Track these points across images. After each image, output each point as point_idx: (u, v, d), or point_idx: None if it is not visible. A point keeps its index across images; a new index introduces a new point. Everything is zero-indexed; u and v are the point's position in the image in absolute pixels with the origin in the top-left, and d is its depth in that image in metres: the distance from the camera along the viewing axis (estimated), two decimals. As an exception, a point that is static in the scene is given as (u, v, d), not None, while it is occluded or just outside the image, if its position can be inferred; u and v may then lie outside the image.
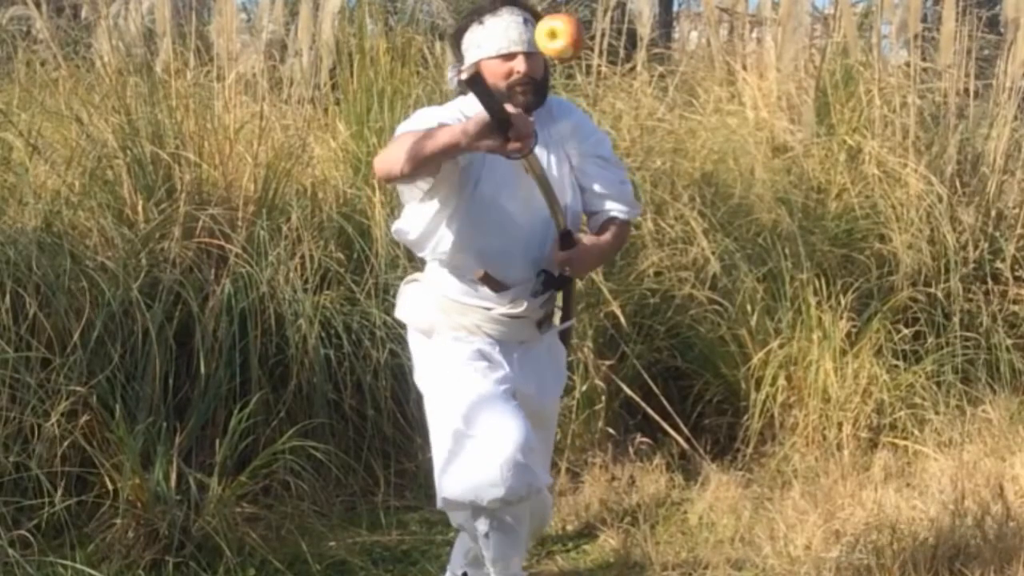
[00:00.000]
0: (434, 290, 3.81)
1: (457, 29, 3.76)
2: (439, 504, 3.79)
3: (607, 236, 3.87)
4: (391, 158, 3.46)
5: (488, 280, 3.72)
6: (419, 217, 3.72)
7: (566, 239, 3.69)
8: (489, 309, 3.74)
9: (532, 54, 3.61)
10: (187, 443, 5.01)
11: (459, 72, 3.68)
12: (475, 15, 3.69)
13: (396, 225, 3.83)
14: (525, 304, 3.74)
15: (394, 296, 4.09)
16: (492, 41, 3.62)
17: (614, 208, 3.88)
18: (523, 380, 3.81)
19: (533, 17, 3.66)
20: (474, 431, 3.63)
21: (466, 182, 3.63)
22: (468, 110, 3.64)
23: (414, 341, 3.93)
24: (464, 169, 3.59)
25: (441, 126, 3.43)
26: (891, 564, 4.40)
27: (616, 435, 5.81)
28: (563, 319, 4.01)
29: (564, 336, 4.06)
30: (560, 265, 3.70)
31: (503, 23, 3.60)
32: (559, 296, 3.98)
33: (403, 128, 3.62)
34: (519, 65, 3.59)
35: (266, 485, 5.08)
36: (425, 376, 3.86)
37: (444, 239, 3.69)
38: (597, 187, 3.83)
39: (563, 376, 4.19)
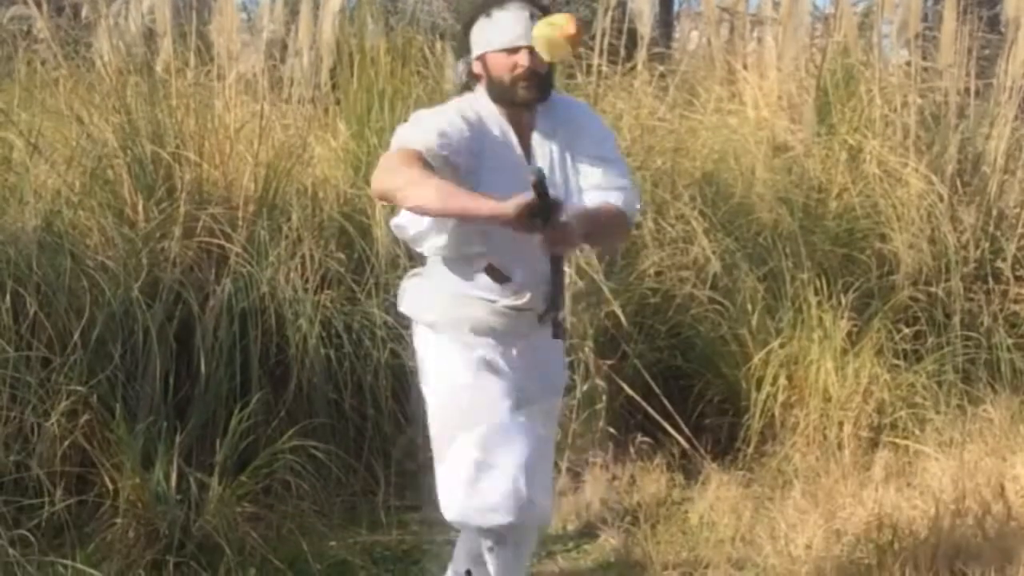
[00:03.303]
0: (436, 283, 3.79)
1: (466, 21, 3.76)
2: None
3: (601, 208, 3.73)
4: (412, 191, 3.41)
5: (492, 271, 3.69)
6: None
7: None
8: (493, 301, 3.73)
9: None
10: (187, 443, 5.00)
11: (468, 65, 3.71)
12: (484, 7, 3.67)
13: (395, 220, 3.80)
14: (528, 295, 3.72)
15: (395, 296, 4.07)
16: (498, 35, 3.61)
17: (612, 198, 3.78)
18: (526, 376, 3.77)
19: (542, 12, 3.63)
20: (481, 454, 3.60)
21: (466, 184, 3.61)
22: (470, 112, 3.62)
23: (419, 340, 3.89)
24: (465, 177, 3.57)
25: (479, 196, 3.39)
26: (892, 564, 4.40)
27: (617, 435, 5.81)
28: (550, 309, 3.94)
29: (556, 327, 3.90)
30: (552, 245, 3.52)
31: (510, 18, 3.58)
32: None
33: (403, 134, 3.56)
34: (523, 59, 3.58)
35: (267, 485, 5.08)
36: (430, 384, 3.83)
37: (443, 236, 3.68)
38: (595, 185, 3.76)
39: (564, 369, 4.13)
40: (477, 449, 3.60)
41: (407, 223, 3.74)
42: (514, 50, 3.60)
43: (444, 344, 3.78)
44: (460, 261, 3.73)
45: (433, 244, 3.72)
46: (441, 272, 3.78)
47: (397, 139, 3.56)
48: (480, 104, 3.66)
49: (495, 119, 3.65)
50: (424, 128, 3.53)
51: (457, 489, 3.64)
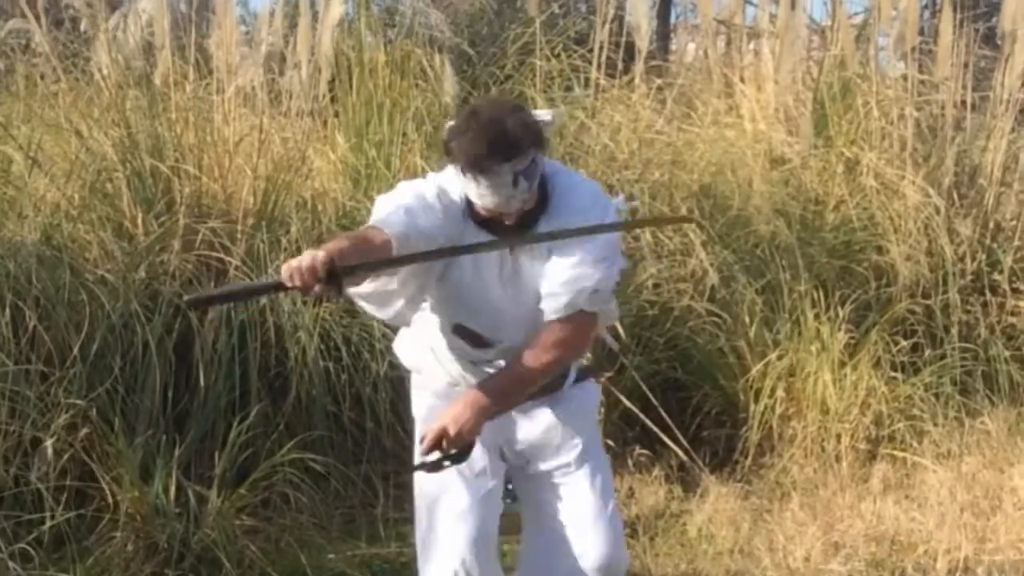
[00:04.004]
0: (423, 334, 3.63)
1: (446, 139, 3.36)
2: None
3: (504, 371, 3.44)
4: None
5: (466, 334, 3.50)
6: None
7: None
8: (474, 363, 3.54)
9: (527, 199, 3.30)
10: (186, 455, 5.02)
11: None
12: (460, 163, 3.25)
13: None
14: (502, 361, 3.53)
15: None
16: (480, 199, 3.29)
17: (547, 302, 3.40)
18: (509, 431, 3.60)
19: (517, 128, 3.24)
20: (435, 530, 3.53)
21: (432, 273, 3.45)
22: (447, 192, 3.38)
23: (412, 390, 3.78)
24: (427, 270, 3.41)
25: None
26: (890, 576, 4.41)
27: (615, 447, 5.80)
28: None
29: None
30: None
31: (490, 188, 3.23)
32: None
33: (377, 206, 3.38)
34: (507, 219, 3.33)
35: (265, 497, 5.09)
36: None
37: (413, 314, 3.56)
38: (545, 282, 3.40)
39: (584, 418, 3.72)
40: (432, 523, 3.54)
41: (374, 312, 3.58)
42: None
43: (424, 398, 3.69)
44: (439, 322, 3.57)
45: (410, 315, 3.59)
46: (426, 324, 3.59)
47: (374, 209, 3.40)
48: (456, 190, 3.38)
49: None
50: (405, 194, 3.36)
51: (422, 560, 3.61)
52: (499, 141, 3.22)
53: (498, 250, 3.38)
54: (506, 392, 3.40)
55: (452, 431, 3.30)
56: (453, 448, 3.32)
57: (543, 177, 3.35)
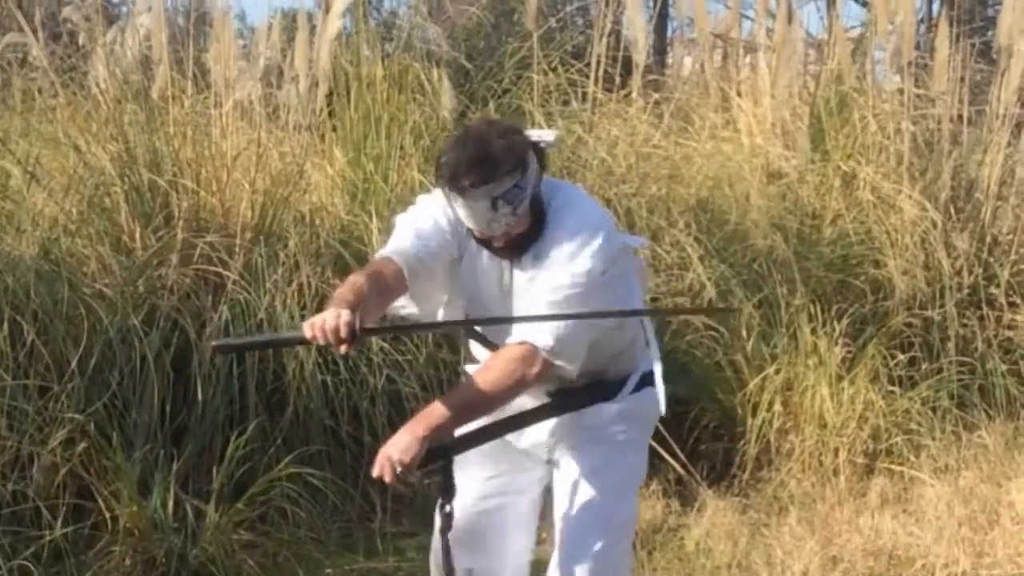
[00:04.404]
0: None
1: (437, 156, 3.39)
2: None
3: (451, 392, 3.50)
4: None
5: (476, 336, 3.50)
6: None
7: None
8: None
9: (512, 225, 3.26)
10: (184, 470, 5.02)
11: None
12: (445, 183, 3.26)
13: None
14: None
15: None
16: (466, 221, 3.29)
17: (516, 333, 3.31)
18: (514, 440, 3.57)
19: (502, 149, 3.22)
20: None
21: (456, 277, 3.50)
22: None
23: None
24: (452, 266, 3.43)
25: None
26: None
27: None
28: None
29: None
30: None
31: (471, 211, 3.23)
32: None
33: (395, 229, 3.41)
34: (495, 242, 3.31)
35: (263, 512, 5.09)
36: None
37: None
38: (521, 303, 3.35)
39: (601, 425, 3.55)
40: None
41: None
42: None
43: None
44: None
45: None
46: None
47: (394, 230, 3.42)
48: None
49: None
50: (406, 230, 3.37)
51: None
52: (478, 164, 3.20)
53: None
54: (448, 413, 3.23)
55: (395, 457, 3.18)
56: (406, 471, 3.22)
57: (538, 200, 3.31)
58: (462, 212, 3.26)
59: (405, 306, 3.43)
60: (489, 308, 3.43)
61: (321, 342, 2.98)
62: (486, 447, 3.47)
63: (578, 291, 3.26)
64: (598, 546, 3.43)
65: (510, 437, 3.54)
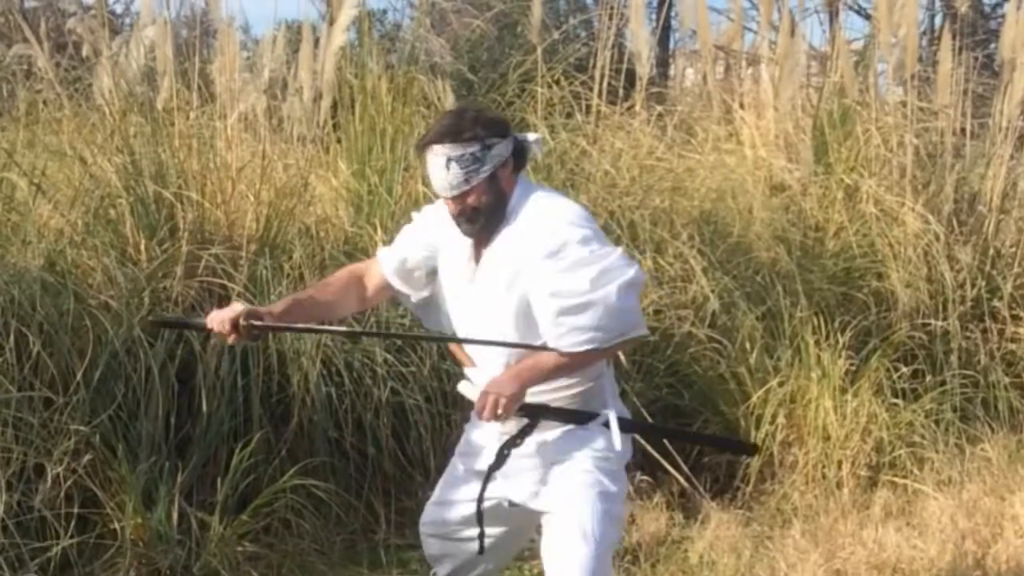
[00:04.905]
0: None
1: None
2: None
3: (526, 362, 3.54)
4: None
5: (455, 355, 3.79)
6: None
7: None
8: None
9: (464, 193, 3.47)
10: (189, 482, 5.03)
11: None
12: (419, 143, 3.61)
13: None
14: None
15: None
16: (431, 180, 3.57)
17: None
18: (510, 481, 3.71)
19: (463, 123, 3.48)
20: None
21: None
22: (442, 214, 3.64)
23: None
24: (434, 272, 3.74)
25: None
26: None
27: (616, 473, 5.81)
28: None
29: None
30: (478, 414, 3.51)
31: (431, 168, 3.50)
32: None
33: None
34: (450, 207, 3.54)
35: (267, 524, 5.10)
36: None
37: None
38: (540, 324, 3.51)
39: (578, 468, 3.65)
40: None
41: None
42: None
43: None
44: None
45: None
46: None
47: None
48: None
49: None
50: (397, 242, 3.78)
51: None
52: (444, 125, 3.50)
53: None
54: (537, 374, 3.50)
55: (506, 393, 3.43)
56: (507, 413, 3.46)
57: (502, 192, 3.52)
58: (430, 172, 3.52)
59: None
60: (457, 298, 3.64)
61: (216, 330, 3.51)
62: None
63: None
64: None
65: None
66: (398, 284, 3.77)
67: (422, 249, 3.71)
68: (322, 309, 3.77)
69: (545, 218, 3.48)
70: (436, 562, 3.98)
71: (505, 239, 3.52)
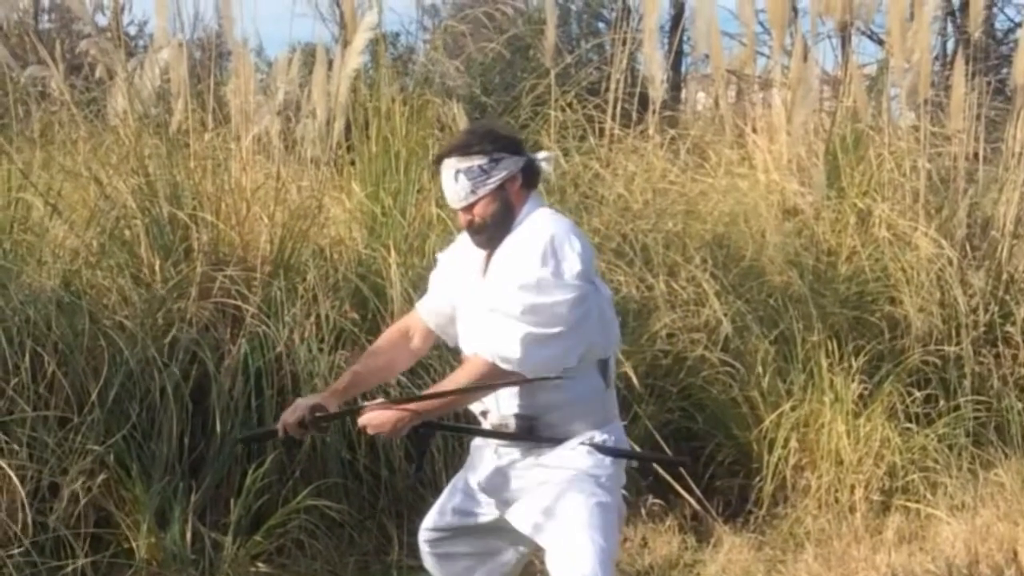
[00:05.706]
0: None
1: None
2: None
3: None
4: None
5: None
6: None
7: None
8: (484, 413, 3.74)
9: (471, 204, 3.58)
10: (202, 502, 5.04)
11: None
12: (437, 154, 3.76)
13: None
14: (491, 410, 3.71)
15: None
16: (444, 195, 3.70)
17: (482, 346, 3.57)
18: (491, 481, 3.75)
19: (470, 141, 3.62)
20: None
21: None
22: (462, 247, 3.77)
23: None
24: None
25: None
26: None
27: (628, 496, 5.77)
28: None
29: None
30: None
31: (443, 180, 3.63)
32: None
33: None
34: (458, 219, 3.69)
35: (280, 544, 5.11)
36: None
37: None
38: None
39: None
40: None
41: None
42: None
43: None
44: None
45: None
46: None
47: None
48: (470, 251, 3.75)
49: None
50: (429, 290, 3.89)
51: None
52: (456, 139, 3.74)
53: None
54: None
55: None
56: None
57: (510, 205, 3.60)
58: (441, 185, 3.64)
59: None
60: (466, 305, 3.69)
61: (290, 434, 3.65)
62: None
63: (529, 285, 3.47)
64: None
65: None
66: (440, 332, 3.87)
67: (447, 290, 3.80)
68: (381, 374, 3.96)
69: (530, 234, 3.55)
70: None
71: (502, 250, 3.62)
